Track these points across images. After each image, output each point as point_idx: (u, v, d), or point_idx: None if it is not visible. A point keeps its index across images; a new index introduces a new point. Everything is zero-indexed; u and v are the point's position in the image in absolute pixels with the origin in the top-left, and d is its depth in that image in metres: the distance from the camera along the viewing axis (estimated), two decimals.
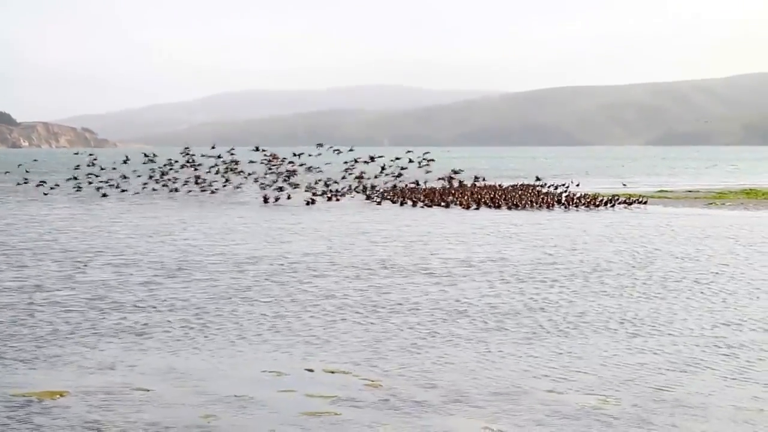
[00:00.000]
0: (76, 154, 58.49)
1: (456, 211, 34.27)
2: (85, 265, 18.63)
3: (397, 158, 44.99)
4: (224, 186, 45.29)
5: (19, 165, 61.39)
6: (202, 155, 46.91)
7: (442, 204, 36.42)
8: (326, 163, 45.34)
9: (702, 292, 15.53)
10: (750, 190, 47.41)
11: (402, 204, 37.25)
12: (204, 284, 16.31)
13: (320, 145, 46.49)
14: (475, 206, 35.32)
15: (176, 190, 44.39)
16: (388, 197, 39.10)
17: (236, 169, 46.36)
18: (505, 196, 37.96)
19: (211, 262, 19.27)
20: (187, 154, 46.52)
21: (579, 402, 9.12)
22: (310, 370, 10.34)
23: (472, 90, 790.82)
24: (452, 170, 45.39)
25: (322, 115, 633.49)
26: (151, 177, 46.74)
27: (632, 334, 12.24)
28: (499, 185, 45.04)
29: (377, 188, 42.32)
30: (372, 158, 43.48)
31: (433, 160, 43.89)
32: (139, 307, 14.13)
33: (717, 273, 17.80)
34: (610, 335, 12.19)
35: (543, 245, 22.38)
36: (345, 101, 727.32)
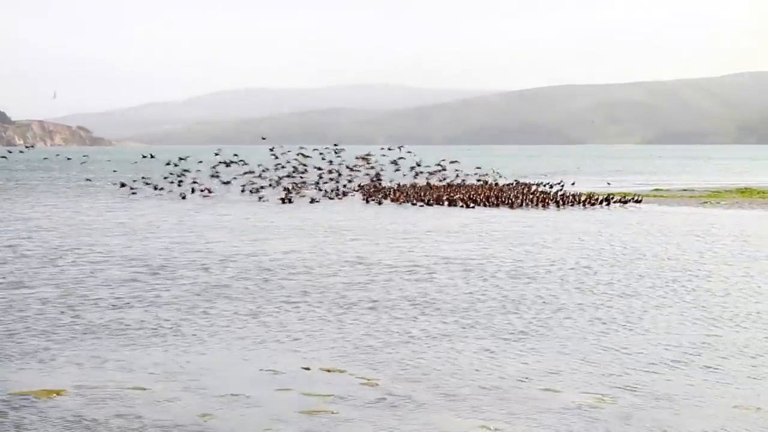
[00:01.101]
0: (144, 156, 56.35)
1: (451, 210, 34.31)
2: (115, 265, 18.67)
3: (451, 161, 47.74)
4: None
5: (107, 161, 57.91)
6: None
7: (440, 203, 36.51)
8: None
9: (685, 291, 15.61)
10: (745, 188, 47.49)
11: (401, 203, 37.30)
12: (198, 282, 16.33)
13: (392, 148, 48.91)
14: (472, 205, 35.42)
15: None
16: (389, 196, 39.14)
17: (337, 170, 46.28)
18: (500, 194, 38.04)
19: (205, 260, 19.30)
20: (301, 154, 46.68)
21: (575, 400, 9.18)
22: (307, 369, 10.39)
23: (468, 89, 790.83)
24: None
25: (318, 114, 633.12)
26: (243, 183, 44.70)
27: (617, 331, 12.30)
28: (496, 184, 45.31)
29: (383, 187, 42.62)
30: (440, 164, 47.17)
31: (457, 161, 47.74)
32: (134, 304, 14.16)
33: (704, 271, 17.88)
34: (598, 332, 12.25)
35: (532, 243, 22.46)
36: (341, 100, 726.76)
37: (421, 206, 35.82)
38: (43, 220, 29.33)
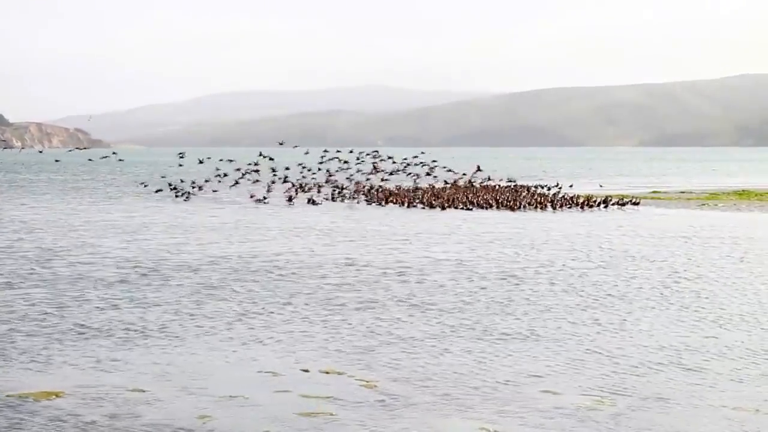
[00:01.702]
0: (181, 156, 55.31)
1: (451, 212, 34.31)
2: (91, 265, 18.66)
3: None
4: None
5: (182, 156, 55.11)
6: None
7: (440, 206, 36.51)
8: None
9: (679, 293, 15.62)
10: (743, 191, 47.55)
11: (401, 205, 37.13)
12: (195, 284, 16.32)
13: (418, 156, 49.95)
14: (469, 207, 35.44)
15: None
16: (390, 199, 39.06)
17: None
18: (499, 197, 38.01)
19: (200, 262, 19.29)
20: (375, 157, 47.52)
21: (573, 402, 9.18)
22: (306, 371, 10.38)
23: (465, 91, 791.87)
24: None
25: (315, 116, 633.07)
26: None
27: (613, 333, 12.32)
28: (497, 186, 45.20)
29: (378, 189, 42.58)
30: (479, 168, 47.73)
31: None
32: (132, 306, 14.15)
33: (700, 274, 17.90)
34: (595, 334, 12.27)
35: (529, 246, 22.48)
36: (338, 102, 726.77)
37: (422, 208, 35.78)
38: (156, 227, 29.35)
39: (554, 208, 35.39)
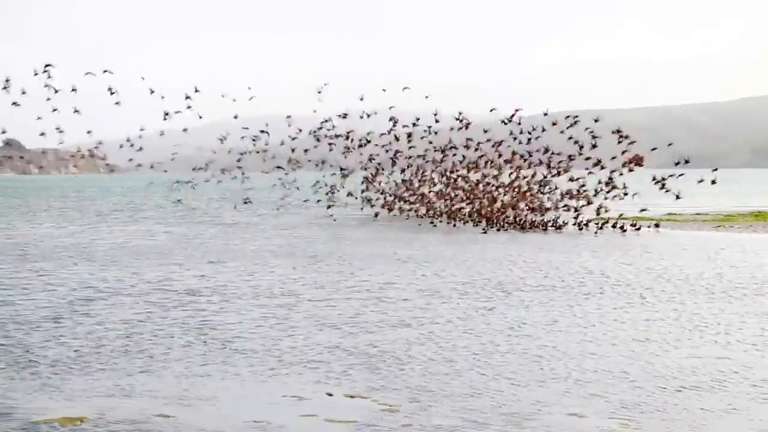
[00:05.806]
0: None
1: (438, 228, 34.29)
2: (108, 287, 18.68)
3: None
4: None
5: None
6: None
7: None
8: None
9: (685, 312, 15.55)
10: (759, 212, 47.38)
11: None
12: (217, 307, 16.29)
13: None
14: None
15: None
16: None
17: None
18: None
19: (220, 285, 19.29)
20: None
21: (599, 425, 9.11)
22: (330, 395, 10.36)
23: (472, 114, 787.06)
24: None
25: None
26: None
27: (638, 355, 12.25)
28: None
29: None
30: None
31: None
32: (156, 330, 14.13)
33: (714, 295, 17.82)
34: (619, 355, 12.20)
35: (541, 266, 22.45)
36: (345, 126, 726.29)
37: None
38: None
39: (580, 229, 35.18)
